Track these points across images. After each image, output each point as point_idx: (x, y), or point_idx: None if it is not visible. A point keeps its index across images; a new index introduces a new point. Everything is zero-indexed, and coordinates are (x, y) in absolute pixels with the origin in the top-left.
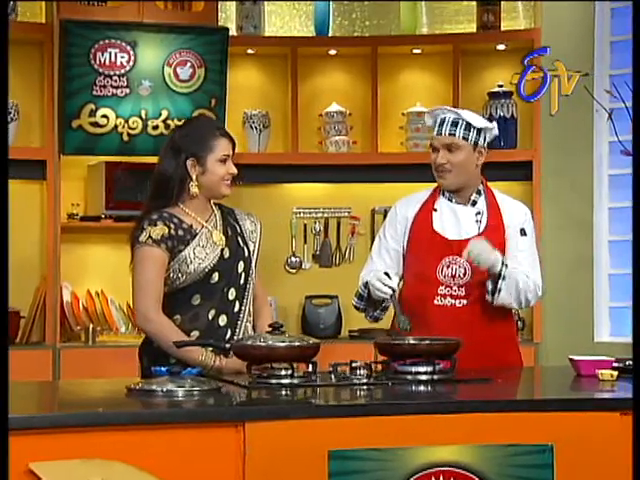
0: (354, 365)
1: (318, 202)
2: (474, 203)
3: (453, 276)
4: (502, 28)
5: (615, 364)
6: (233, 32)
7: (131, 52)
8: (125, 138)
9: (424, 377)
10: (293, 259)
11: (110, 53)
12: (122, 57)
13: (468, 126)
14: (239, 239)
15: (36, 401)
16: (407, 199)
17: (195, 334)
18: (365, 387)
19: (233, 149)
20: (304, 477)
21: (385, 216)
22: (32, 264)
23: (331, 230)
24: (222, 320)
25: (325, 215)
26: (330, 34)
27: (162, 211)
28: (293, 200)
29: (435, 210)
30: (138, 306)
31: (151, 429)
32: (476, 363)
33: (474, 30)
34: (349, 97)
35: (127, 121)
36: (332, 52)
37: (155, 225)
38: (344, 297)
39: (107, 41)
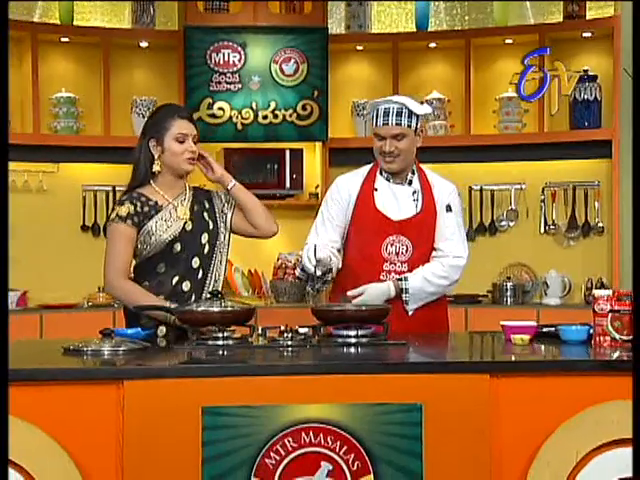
0: (282, 329)
1: None
2: (410, 182)
3: (397, 253)
4: (587, 17)
5: (548, 329)
6: (342, 31)
7: (242, 52)
8: (239, 127)
9: (353, 340)
10: None
11: (224, 54)
12: (234, 57)
13: (410, 114)
14: (205, 214)
15: None
16: (347, 176)
17: (161, 298)
18: (289, 349)
19: (197, 131)
20: (180, 431)
21: (481, 194)
22: None
23: None
24: (186, 286)
25: None
26: (431, 29)
27: (133, 192)
28: None
29: (376, 190)
30: (105, 275)
31: (41, 385)
32: (419, 329)
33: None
34: (447, 85)
35: (240, 112)
36: (432, 45)
37: (122, 204)
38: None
39: (221, 43)
